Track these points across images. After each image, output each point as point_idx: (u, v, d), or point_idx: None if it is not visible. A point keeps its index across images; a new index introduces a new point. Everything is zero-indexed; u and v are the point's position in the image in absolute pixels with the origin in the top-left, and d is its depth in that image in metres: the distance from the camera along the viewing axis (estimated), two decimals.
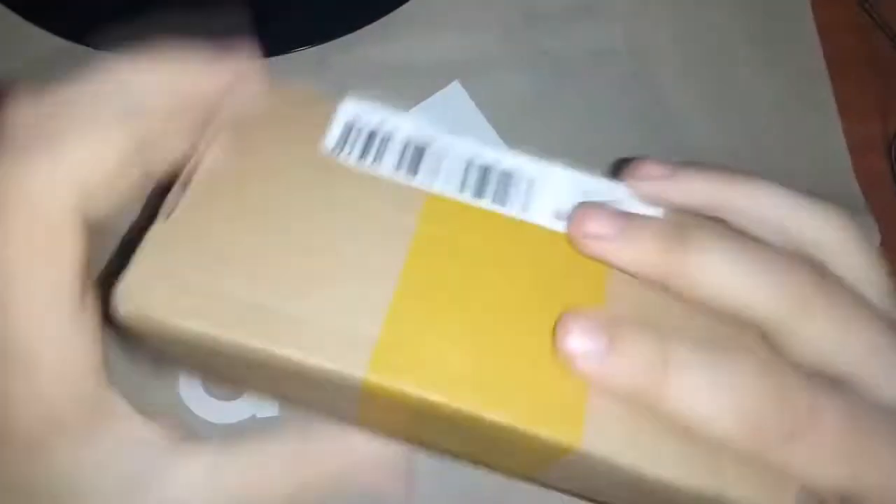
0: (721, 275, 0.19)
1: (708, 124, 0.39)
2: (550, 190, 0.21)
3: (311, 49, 0.38)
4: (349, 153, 0.21)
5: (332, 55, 0.38)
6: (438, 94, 0.39)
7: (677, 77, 0.40)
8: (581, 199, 0.21)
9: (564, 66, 0.40)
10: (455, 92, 0.39)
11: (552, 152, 0.22)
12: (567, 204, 0.21)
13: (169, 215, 0.19)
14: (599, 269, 0.20)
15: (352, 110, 0.22)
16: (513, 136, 0.38)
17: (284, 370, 0.19)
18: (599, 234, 0.20)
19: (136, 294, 0.18)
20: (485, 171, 0.22)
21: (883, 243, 0.36)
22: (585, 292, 0.20)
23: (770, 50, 0.41)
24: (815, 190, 0.22)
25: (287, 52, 0.38)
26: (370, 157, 0.21)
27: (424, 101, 0.38)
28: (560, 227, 0.21)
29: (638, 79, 0.40)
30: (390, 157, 0.21)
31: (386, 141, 0.22)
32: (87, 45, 0.37)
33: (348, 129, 0.22)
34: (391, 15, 0.38)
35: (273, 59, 0.37)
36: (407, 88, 0.38)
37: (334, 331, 0.18)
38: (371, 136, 0.22)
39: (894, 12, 0.41)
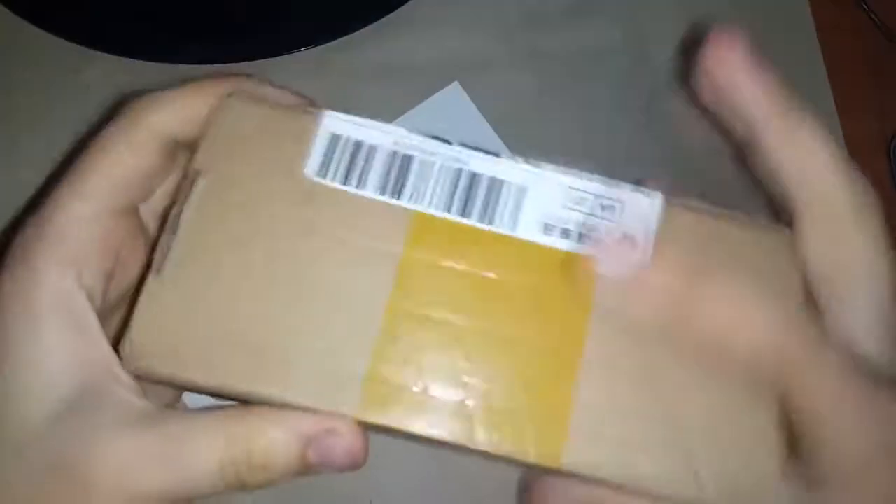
0: (825, 152, 0.21)
1: (706, 124, 0.39)
2: (540, 198, 0.21)
3: (312, 50, 0.38)
4: (333, 177, 0.21)
5: (332, 56, 0.38)
6: (438, 95, 0.39)
7: (677, 77, 0.40)
8: (572, 206, 0.21)
9: (564, 66, 0.40)
10: (455, 92, 0.39)
11: (551, 152, 0.22)
12: (557, 212, 0.21)
13: (159, 270, 0.20)
14: (582, 295, 0.21)
15: (332, 128, 0.22)
16: (512, 137, 0.38)
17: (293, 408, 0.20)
18: (728, 56, 0.23)
19: (140, 353, 0.20)
20: (471, 183, 0.21)
21: None
22: (567, 325, 0.21)
23: (769, 50, 0.40)
24: None
25: (287, 53, 0.38)
26: (354, 180, 0.21)
27: (424, 102, 0.38)
28: (549, 241, 0.21)
29: (637, 78, 0.40)
30: (374, 177, 0.21)
31: (369, 159, 0.21)
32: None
33: (331, 150, 0.22)
34: (391, 15, 0.38)
35: (273, 59, 0.37)
36: (407, 89, 0.39)
37: (323, 370, 0.20)
38: (354, 154, 0.22)
39: (892, 12, 0.41)
